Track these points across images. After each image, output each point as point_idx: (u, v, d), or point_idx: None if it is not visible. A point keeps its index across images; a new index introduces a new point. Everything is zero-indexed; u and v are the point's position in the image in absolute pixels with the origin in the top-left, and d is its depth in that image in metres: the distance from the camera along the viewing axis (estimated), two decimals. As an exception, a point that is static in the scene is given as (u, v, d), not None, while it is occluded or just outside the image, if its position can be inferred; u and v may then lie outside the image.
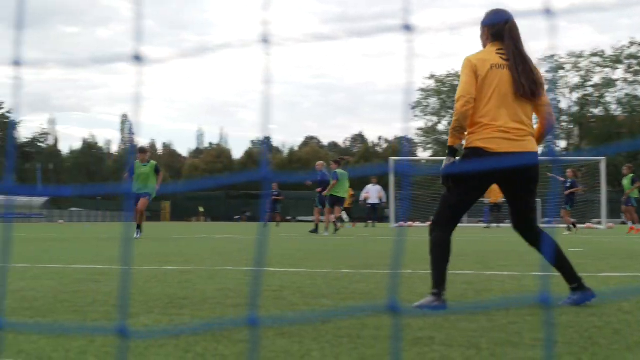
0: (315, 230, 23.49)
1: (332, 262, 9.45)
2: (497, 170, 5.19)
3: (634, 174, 25.91)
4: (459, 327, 4.21)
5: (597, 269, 8.60)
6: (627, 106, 76.52)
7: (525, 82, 5.17)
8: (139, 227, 17.69)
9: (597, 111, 78.91)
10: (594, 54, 76.84)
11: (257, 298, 5.44)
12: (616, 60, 75.98)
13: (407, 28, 1.85)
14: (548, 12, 1.87)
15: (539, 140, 5.40)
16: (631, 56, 75.72)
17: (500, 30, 5.31)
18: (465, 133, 5.24)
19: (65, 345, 3.58)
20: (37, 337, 3.77)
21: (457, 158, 5.31)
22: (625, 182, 25.74)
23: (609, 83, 76.96)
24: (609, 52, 76.41)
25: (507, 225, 34.85)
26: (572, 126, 79.67)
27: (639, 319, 4.59)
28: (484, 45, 5.45)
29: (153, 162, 17.97)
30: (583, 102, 78.41)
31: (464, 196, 5.31)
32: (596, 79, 77.73)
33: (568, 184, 24.54)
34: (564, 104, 79.04)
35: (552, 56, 77.58)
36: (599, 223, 35.92)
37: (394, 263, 9.42)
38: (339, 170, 22.80)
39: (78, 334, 3.89)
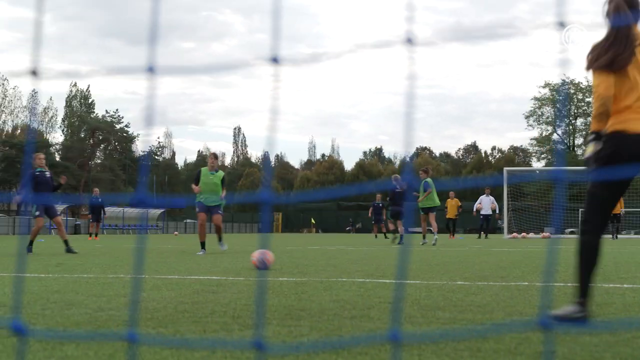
0: (401, 241, 23.38)
1: (447, 274, 9.37)
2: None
3: None
4: (581, 341, 4.11)
5: None
6: None
7: None
8: (203, 244, 16.28)
9: None
10: None
11: (399, 313, 5.44)
12: None
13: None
14: None
15: None
16: None
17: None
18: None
19: (188, 356, 3.65)
20: (159, 348, 3.85)
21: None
22: None
23: None
24: None
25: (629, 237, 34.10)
26: None
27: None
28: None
29: (222, 172, 16.64)
30: None
31: (613, 187, 4.94)
32: None
33: None
34: None
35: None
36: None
37: (546, 276, 9.27)
38: (429, 180, 22.71)
39: (200, 347, 3.96)
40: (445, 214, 34.61)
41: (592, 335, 4.30)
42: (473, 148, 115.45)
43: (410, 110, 1.85)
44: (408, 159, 2.18)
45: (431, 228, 22.93)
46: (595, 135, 4.78)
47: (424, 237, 23.43)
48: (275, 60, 1.89)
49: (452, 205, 34.36)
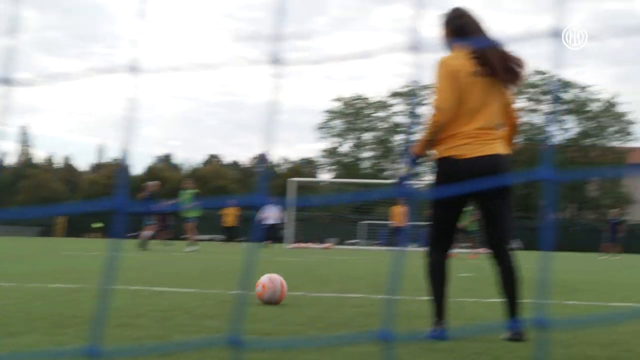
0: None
1: (224, 283, 9.40)
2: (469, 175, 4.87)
3: None
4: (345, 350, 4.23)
5: (487, 294, 8.76)
6: (525, 134, 78.79)
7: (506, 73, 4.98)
8: None
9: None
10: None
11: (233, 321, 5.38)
12: (517, 91, 78.22)
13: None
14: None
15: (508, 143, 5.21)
16: (531, 85, 78.14)
17: (463, 24, 5.09)
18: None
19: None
20: None
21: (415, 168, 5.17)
22: None
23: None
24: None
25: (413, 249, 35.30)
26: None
27: (520, 344, 4.70)
28: (450, 46, 5.16)
29: None
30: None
31: (447, 208, 5.09)
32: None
33: None
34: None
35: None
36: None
37: (391, 289, 9.42)
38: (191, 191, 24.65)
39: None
40: (224, 222, 35.00)
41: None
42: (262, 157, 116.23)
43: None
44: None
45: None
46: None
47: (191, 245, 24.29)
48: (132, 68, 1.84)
49: (231, 214, 34.69)
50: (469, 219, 25.34)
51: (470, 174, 4.84)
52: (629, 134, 79.78)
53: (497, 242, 4.99)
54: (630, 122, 79.45)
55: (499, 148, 4.96)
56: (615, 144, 79.80)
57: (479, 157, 4.86)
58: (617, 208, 43.82)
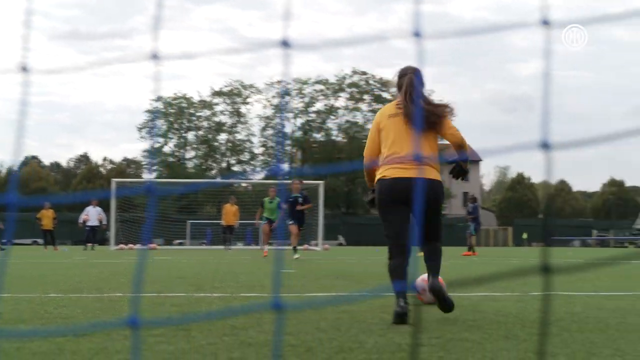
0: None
1: (40, 287, 9.13)
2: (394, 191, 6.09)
3: None
4: (158, 349, 4.22)
5: (306, 289, 8.92)
6: (347, 132, 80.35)
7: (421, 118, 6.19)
8: None
9: (319, 136, 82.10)
10: (318, 82, 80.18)
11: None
12: (339, 88, 79.74)
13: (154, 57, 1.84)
14: (285, 44, 1.94)
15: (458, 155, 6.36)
16: (353, 85, 79.77)
17: (400, 83, 6.38)
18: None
19: None
20: None
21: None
22: None
23: (330, 110, 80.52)
24: (332, 80, 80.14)
25: (240, 248, 35.49)
26: (295, 150, 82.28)
27: (331, 336, 4.81)
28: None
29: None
30: (306, 128, 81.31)
31: (388, 218, 6.18)
32: (319, 105, 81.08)
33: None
34: (288, 129, 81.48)
35: (280, 81, 79.97)
36: (317, 245, 37.22)
37: (135, 286, 9.27)
38: None
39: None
40: (41, 225, 33.98)
41: (169, 343, 4.43)
42: (84, 158, 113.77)
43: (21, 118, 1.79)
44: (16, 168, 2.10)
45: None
46: None
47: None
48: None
49: (47, 216, 33.75)
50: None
51: (392, 190, 6.08)
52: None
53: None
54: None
55: (411, 173, 6.08)
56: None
57: (397, 178, 6.08)
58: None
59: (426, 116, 6.20)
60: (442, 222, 6.46)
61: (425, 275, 6.54)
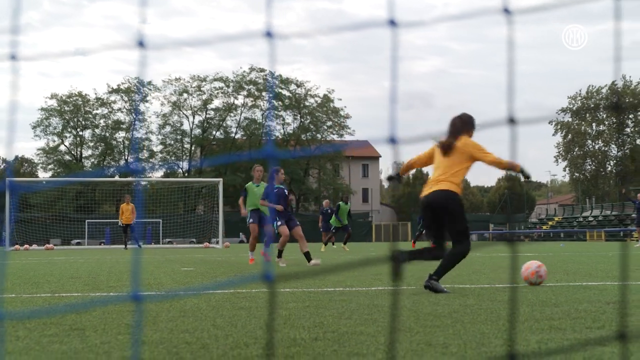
0: None
1: None
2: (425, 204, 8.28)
3: None
4: (51, 349, 4.15)
5: (205, 288, 8.89)
6: (246, 129, 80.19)
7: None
8: None
9: (218, 134, 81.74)
10: (217, 79, 79.80)
11: None
12: (238, 86, 79.55)
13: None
14: (268, 34, 1.92)
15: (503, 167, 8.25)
16: (251, 82, 79.64)
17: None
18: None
19: None
20: None
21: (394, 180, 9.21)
22: None
23: (229, 107, 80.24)
24: (231, 77, 79.87)
25: (147, 246, 35.11)
26: (193, 148, 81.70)
27: (227, 332, 4.81)
28: None
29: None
30: (205, 126, 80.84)
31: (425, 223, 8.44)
32: (217, 103, 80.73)
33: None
34: (186, 126, 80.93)
35: (177, 79, 79.31)
36: (217, 242, 37.04)
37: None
38: None
39: None
40: None
41: (62, 343, 4.36)
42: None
43: None
44: None
45: None
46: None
47: None
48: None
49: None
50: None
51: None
52: (343, 128, 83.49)
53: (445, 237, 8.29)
54: (346, 117, 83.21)
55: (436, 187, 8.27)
56: (332, 138, 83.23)
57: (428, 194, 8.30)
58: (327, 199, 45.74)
59: (447, 146, 8.29)
60: (463, 225, 8.09)
61: (528, 263, 8.74)
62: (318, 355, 3.93)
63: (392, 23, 1.87)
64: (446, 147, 8.31)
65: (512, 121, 1.80)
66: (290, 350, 4.10)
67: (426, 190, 8.28)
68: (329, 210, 32.07)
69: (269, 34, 1.77)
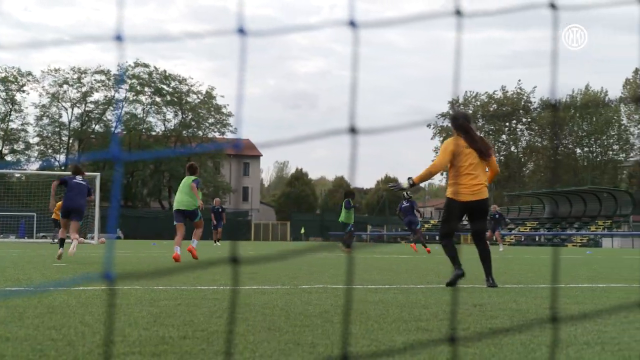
0: None
1: None
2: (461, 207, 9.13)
3: None
4: None
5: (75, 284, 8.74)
6: (126, 124, 78.97)
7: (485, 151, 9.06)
8: None
9: (98, 127, 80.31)
10: (98, 72, 78.37)
11: None
12: (120, 79, 78.39)
13: None
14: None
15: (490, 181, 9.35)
16: (134, 76, 78.51)
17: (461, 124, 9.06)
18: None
19: None
20: None
21: (408, 192, 10.04)
22: None
23: (110, 101, 78.94)
24: (114, 70, 78.58)
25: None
26: (71, 141, 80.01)
27: (95, 330, 4.74)
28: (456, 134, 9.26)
29: None
30: (85, 119, 79.30)
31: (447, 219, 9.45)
32: (98, 96, 79.31)
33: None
34: (64, 119, 79.21)
35: (57, 70, 77.47)
36: (93, 238, 36.38)
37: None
38: None
39: None
40: None
41: None
42: None
43: None
44: None
45: None
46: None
47: None
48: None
49: None
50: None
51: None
52: (225, 125, 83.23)
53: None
54: (228, 115, 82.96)
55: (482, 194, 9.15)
56: (214, 135, 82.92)
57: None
58: (217, 197, 45.55)
59: (485, 149, 8.93)
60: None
61: None
62: (185, 354, 3.93)
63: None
64: (486, 153, 9.01)
65: (353, 130, 1.86)
66: (158, 348, 4.08)
67: (469, 194, 8.93)
68: (220, 209, 32.53)
69: (118, 38, 1.77)
